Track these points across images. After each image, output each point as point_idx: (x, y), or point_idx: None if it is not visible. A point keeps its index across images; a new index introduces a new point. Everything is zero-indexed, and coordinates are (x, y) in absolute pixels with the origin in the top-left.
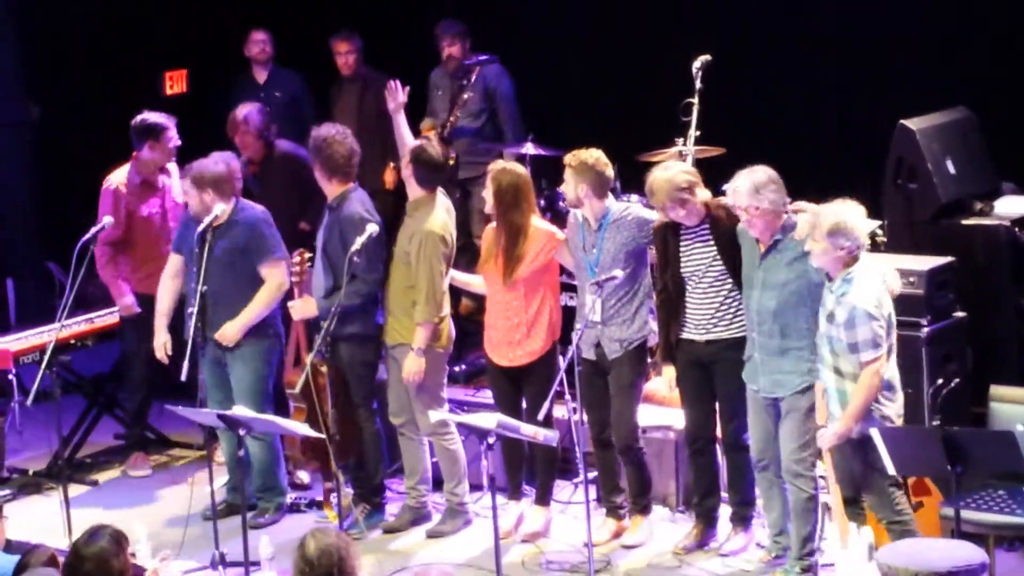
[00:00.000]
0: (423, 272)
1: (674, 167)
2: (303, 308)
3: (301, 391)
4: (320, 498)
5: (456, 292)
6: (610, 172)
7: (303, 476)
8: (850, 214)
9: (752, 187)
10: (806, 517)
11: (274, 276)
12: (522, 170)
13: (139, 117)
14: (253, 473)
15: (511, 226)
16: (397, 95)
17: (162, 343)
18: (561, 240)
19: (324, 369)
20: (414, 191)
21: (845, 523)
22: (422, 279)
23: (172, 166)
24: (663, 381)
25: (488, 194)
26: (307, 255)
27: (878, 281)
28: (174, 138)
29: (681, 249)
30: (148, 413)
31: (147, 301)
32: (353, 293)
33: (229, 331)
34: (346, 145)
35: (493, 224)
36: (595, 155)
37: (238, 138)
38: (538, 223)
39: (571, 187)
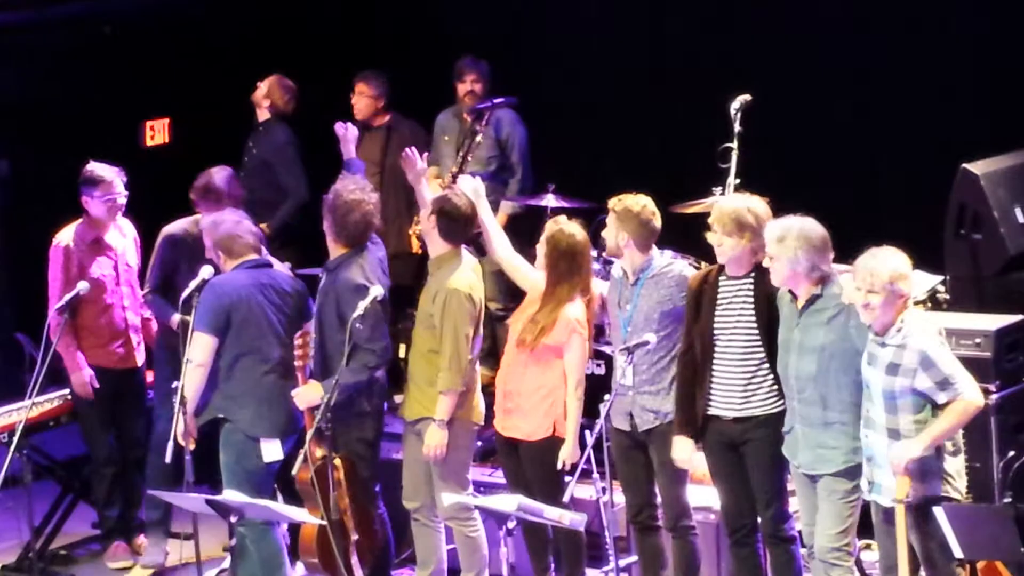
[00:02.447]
0: (447, 334)
1: (754, 199)
2: (306, 395)
3: (309, 480)
4: None
5: None
6: (657, 223)
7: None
8: (900, 259)
9: (779, 233)
10: None
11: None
12: (582, 235)
13: (87, 167)
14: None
15: (555, 298)
16: (415, 164)
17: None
18: (583, 335)
19: (337, 462)
20: (436, 247)
21: None
22: (446, 342)
23: (129, 227)
24: (675, 455)
25: (541, 253)
26: (311, 334)
27: (926, 316)
28: (118, 194)
29: (718, 301)
30: (130, 495)
31: (96, 373)
32: (361, 367)
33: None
34: (366, 219)
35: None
36: (642, 202)
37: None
38: (572, 311)
39: (612, 234)
